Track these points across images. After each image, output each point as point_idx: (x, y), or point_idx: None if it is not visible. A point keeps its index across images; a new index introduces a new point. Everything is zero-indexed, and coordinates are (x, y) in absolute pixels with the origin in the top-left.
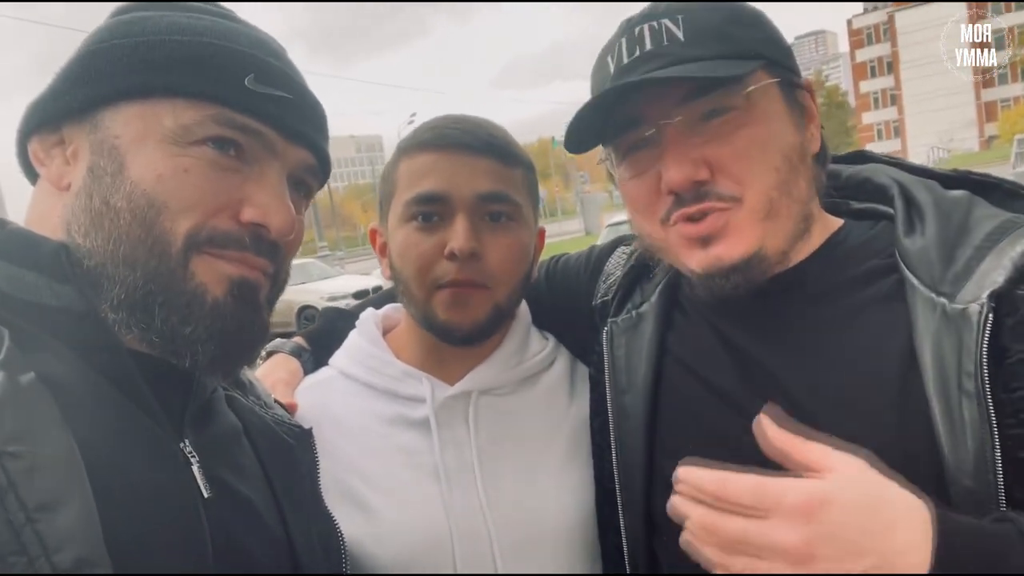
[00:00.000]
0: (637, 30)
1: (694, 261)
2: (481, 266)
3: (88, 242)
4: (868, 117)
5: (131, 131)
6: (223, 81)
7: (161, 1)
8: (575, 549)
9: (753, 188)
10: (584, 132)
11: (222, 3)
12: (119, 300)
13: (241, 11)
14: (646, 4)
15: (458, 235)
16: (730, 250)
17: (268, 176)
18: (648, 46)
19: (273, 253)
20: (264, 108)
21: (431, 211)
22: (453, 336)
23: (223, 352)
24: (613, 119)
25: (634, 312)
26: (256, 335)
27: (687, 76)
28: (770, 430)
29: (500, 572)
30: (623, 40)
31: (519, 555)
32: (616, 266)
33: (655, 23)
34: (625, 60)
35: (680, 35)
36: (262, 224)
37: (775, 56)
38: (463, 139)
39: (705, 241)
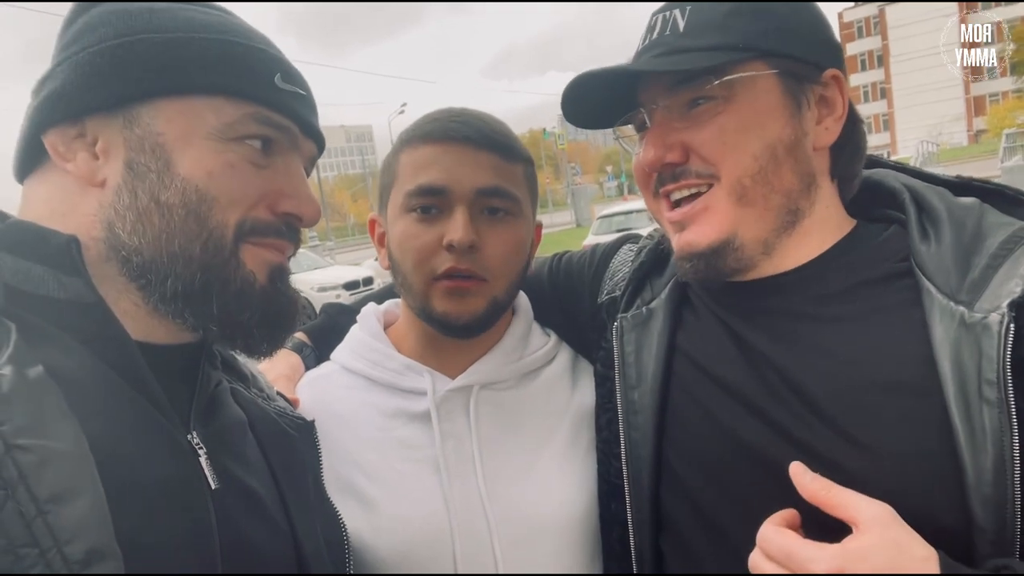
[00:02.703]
0: (654, 18)
1: (674, 243)
2: (479, 258)
3: (135, 239)
4: (858, 110)
5: (175, 128)
6: (257, 80)
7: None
8: (575, 543)
9: (726, 170)
10: (590, 113)
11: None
12: (174, 292)
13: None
14: None
15: (457, 227)
16: (700, 236)
17: (294, 168)
18: (655, 35)
19: (296, 239)
20: (290, 105)
21: (430, 203)
22: (450, 328)
23: (273, 333)
24: (617, 102)
25: (644, 308)
26: (296, 314)
27: (639, 70)
28: (802, 478)
29: (500, 564)
30: (646, 26)
31: (519, 548)
32: (623, 263)
33: (667, 13)
34: (640, 46)
35: (681, 25)
36: (296, 214)
37: (779, 48)
38: (464, 132)
39: (681, 226)
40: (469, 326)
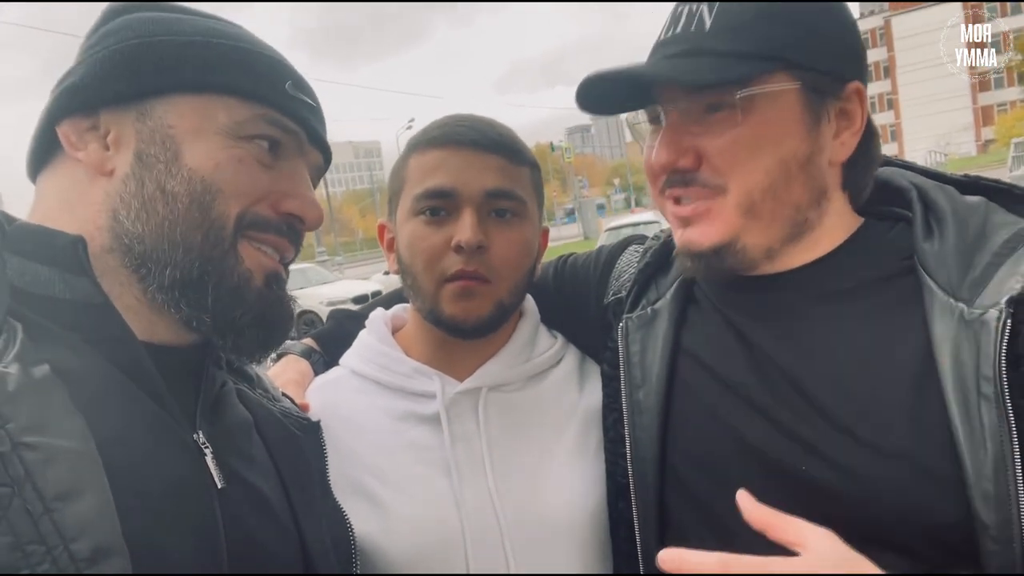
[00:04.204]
0: (679, 9)
1: (676, 238)
2: (486, 259)
3: (139, 226)
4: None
5: (187, 123)
6: (269, 84)
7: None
8: (586, 543)
9: (736, 183)
10: (604, 98)
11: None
12: (172, 280)
13: (245, 12)
14: None
15: (465, 228)
16: (702, 236)
17: (299, 173)
18: (679, 28)
19: (297, 242)
20: (299, 112)
21: (439, 205)
22: (458, 329)
23: (265, 337)
24: (634, 91)
25: (649, 308)
26: (290, 321)
27: (660, 76)
28: (749, 506)
29: (511, 565)
30: (670, 15)
31: (530, 549)
32: (628, 264)
33: (694, 6)
34: (662, 37)
35: (708, 24)
36: (299, 215)
37: (806, 60)
38: (471, 136)
39: (686, 222)
40: (476, 328)
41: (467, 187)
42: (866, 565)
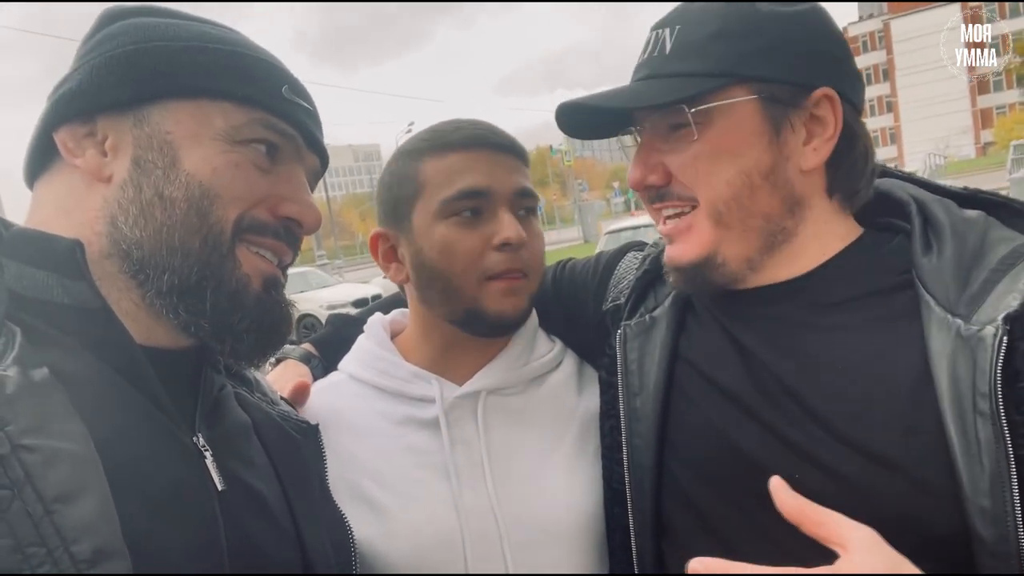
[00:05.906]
0: (651, 35)
1: (664, 255)
2: (525, 256)
3: (137, 232)
4: (862, 124)
5: (184, 128)
6: (265, 89)
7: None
8: (584, 546)
9: (702, 196)
10: (588, 124)
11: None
12: (170, 286)
13: (245, 14)
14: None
15: (508, 226)
16: (682, 253)
17: (296, 176)
18: (646, 54)
19: (295, 245)
20: (296, 116)
21: (476, 205)
22: (501, 326)
23: (263, 342)
24: (612, 115)
25: (647, 316)
26: (287, 327)
27: (607, 106)
28: (784, 496)
29: (510, 568)
30: (646, 41)
31: (529, 552)
32: (627, 271)
33: (660, 31)
34: (638, 61)
35: (668, 47)
36: (297, 219)
37: (763, 72)
38: (492, 139)
39: (670, 239)
40: (518, 322)
41: (501, 186)
42: (910, 567)
